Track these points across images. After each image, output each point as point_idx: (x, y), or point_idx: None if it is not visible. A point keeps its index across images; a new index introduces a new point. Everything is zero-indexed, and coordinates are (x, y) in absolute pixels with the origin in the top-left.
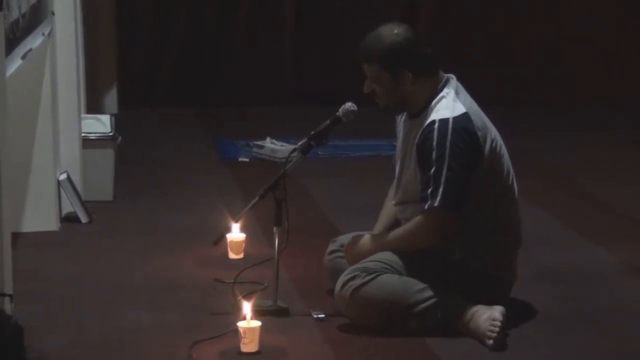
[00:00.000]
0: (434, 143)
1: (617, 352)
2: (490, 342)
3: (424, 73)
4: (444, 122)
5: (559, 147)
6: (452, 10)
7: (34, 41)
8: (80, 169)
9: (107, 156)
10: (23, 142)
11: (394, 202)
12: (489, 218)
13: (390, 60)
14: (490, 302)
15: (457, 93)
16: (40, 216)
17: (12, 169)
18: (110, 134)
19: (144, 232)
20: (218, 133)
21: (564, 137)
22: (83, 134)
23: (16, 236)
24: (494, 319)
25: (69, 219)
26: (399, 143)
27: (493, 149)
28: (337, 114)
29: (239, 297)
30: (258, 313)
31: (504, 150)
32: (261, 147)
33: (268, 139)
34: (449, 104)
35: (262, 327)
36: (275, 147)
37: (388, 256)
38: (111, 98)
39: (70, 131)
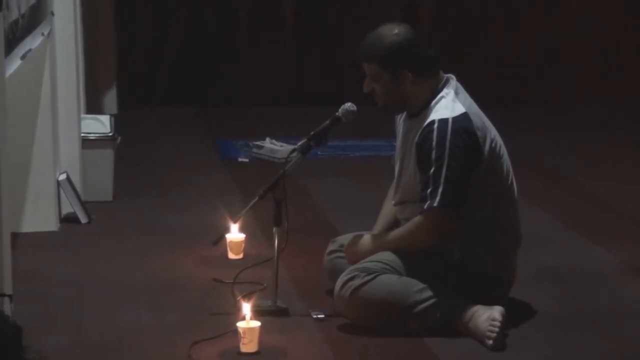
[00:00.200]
0: (434, 143)
1: (617, 352)
2: (490, 342)
3: (424, 73)
4: (443, 122)
5: (559, 147)
6: (452, 10)
7: (34, 41)
8: (79, 169)
9: (107, 156)
10: (23, 142)
11: (393, 202)
12: (488, 218)
13: (390, 60)
14: (489, 302)
15: (456, 93)
16: (39, 216)
17: (12, 169)
18: (110, 134)
19: (143, 232)
20: (218, 133)
21: (564, 137)
22: (82, 134)
23: (16, 236)
24: (493, 319)
25: (68, 219)
26: (398, 143)
27: (492, 149)
28: (337, 114)
29: (239, 297)
30: (257, 313)
31: (504, 150)
32: (260, 147)
33: (267, 139)
34: (449, 104)
35: (261, 327)
36: (274, 147)
37: (387, 256)
38: (111, 98)
39: (69, 131)
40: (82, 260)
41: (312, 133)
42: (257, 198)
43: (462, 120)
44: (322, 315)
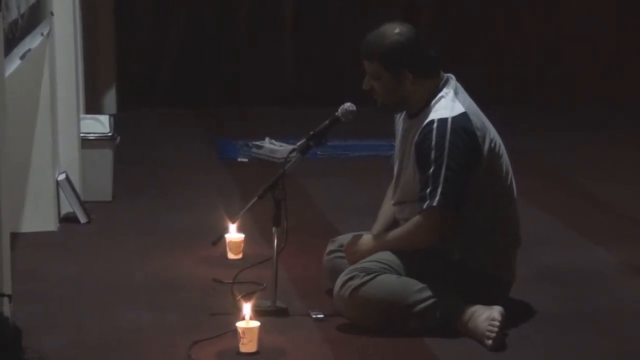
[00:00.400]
0: (433, 143)
1: (617, 352)
2: (489, 342)
3: (424, 74)
4: (442, 121)
5: (559, 147)
6: (452, 10)
7: (33, 41)
8: (79, 169)
9: (106, 156)
10: (22, 142)
11: (392, 201)
12: (487, 218)
13: (391, 59)
14: (489, 302)
15: (456, 93)
16: (39, 216)
17: (11, 169)
18: (109, 134)
19: (143, 232)
20: (218, 133)
21: (564, 137)
22: (82, 134)
23: (15, 236)
24: (493, 319)
25: (67, 219)
26: (397, 142)
27: (492, 148)
28: (336, 114)
29: (238, 298)
30: (257, 313)
31: (503, 150)
32: (260, 147)
33: (267, 139)
34: (448, 103)
35: (261, 327)
36: (274, 147)
37: (387, 256)
38: (110, 98)
39: (69, 131)
40: (81, 260)
41: (312, 133)
42: (256, 198)
43: (462, 120)
44: (322, 315)
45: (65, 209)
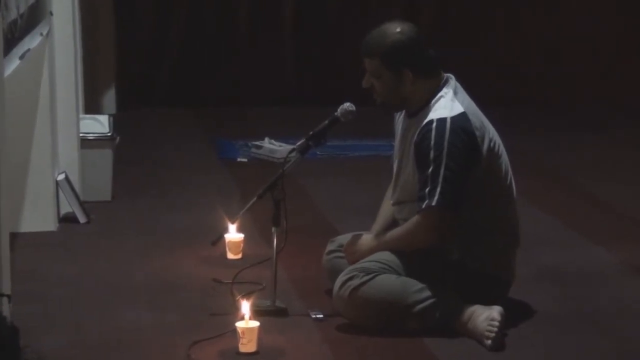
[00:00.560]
0: (432, 142)
1: (617, 352)
2: (489, 342)
3: (424, 74)
4: (441, 121)
5: (559, 147)
6: (452, 10)
7: (32, 41)
8: (78, 169)
9: (106, 156)
10: (21, 142)
11: (391, 201)
12: (487, 218)
13: (392, 58)
14: (488, 302)
15: (455, 93)
16: (38, 216)
17: (11, 169)
18: (109, 134)
19: (142, 232)
20: (218, 133)
21: (564, 137)
22: (81, 134)
23: (14, 236)
24: (492, 319)
25: (67, 219)
26: (396, 142)
27: (491, 148)
28: (336, 114)
29: (238, 297)
30: (256, 313)
31: (502, 150)
32: (259, 147)
33: (266, 139)
34: (447, 103)
35: (260, 327)
36: (273, 147)
37: (386, 256)
38: (109, 98)
39: (68, 131)
40: (81, 260)
41: (311, 133)
42: (255, 198)
43: (461, 120)
44: (321, 315)
45: (65, 209)
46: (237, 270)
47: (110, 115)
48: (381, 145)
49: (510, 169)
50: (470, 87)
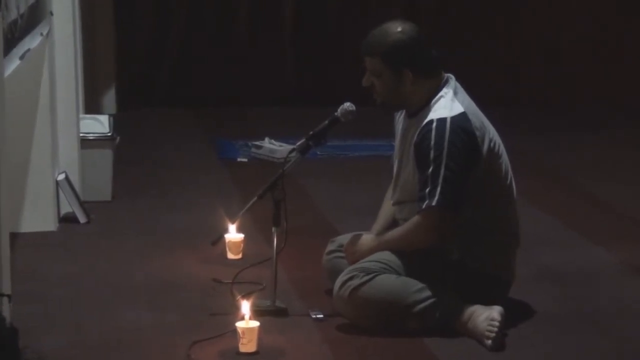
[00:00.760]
0: (432, 142)
1: (617, 352)
2: (489, 342)
3: (424, 74)
4: (441, 121)
5: (559, 147)
6: (452, 10)
7: (33, 41)
8: (78, 169)
9: (106, 156)
10: (21, 142)
11: (391, 201)
12: (487, 218)
13: (392, 57)
14: (488, 302)
15: (455, 93)
16: (38, 216)
17: (11, 169)
18: (109, 134)
19: (142, 232)
20: (218, 133)
21: (564, 137)
22: (81, 134)
23: (14, 236)
24: (492, 319)
25: (67, 219)
26: (396, 142)
27: (491, 148)
28: (336, 114)
29: (238, 298)
30: (256, 313)
31: (503, 150)
32: (259, 147)
33: (267, 139)
34: (447, 103)
35: (260, 327)
36: (273, 147)
37: (386, 256)
38: (110, 98)
39: (68, 131)
40: (81, 260)
41: (311, 133)
42: (256, 198)
43: (461, 120)
44: (321, 315)
45: (65, 209)
46: (237, 270)
47: (110, 115)
48: (381, 145)
49: (510, 169)
50: (470, 87)
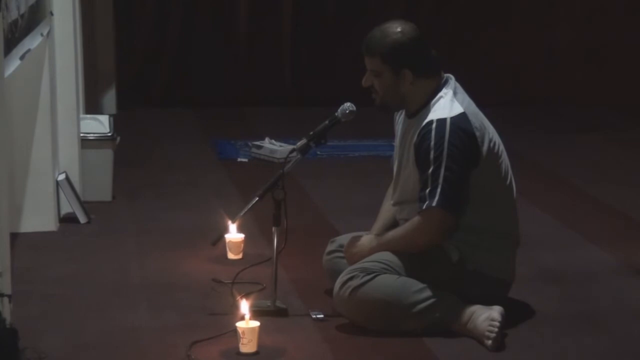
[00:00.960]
0: (432, 143)
1: (617, 352)
2: (489, 342)
3: (424, 74)
4: (441, 122)
5: (559, 147)
6: (452, 10)
7: (33, 41)
8: (78, 169)
9: (106, 156)
10: (21, 142)
11: (392, 202)
12: (487, 218)
13: (392, 57)
14: (488, 303)
15: (455, 93)
16: (38, 216)
17: (11, 169)
18: (109, 134)
19: (142, 232)
20: (218, 133)
21: (564, 137)
22: (82, 134)
23: (15, 236)
24: (492, 319)
25: (67, 220)
26: (396, 142)
27: (491, 149)
28: (336, 114)
29: (238, 298)
30: (257, 313)
31: (502, 150)
32: (260, 147)
33: (267, 139)
34: (447, 103)
35: (260, 327)
36: (273, 147)
37: (386, 256)
38: (110, 98)
39: (68, 131)
40: (81, 260)
41: (311, 133)
42: (256, 198)
43: (460, 121)
44: (322, 315)
45: (65, 209)
46: (237, 270)
47: (110, 115)
48: (381, 145)
49: (510, 169)
50: (470, 87)
